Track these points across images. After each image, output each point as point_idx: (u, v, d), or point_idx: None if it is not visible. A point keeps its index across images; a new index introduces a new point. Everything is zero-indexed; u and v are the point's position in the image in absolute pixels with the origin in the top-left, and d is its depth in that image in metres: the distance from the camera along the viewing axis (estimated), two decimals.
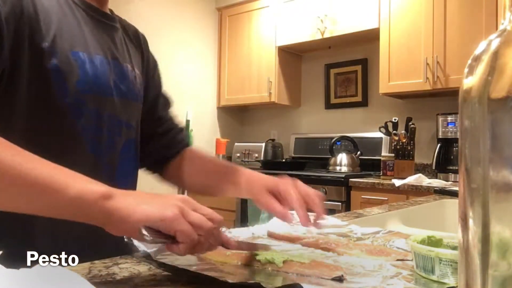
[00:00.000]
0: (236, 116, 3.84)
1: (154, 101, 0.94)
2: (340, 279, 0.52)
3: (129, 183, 0.83)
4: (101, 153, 0.75)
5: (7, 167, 0.50)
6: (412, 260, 0.56)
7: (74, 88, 0.70)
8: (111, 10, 0.88)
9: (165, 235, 0.51)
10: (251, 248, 0.62)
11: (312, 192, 0.70)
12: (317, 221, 0.67)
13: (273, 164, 3.15)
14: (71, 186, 0.51)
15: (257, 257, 0.58)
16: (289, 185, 0.70)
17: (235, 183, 0.82)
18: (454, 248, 0.56)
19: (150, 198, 0.52)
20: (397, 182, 2.28)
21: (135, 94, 0.84)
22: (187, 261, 0.57)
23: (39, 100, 0.68)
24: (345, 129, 3.11)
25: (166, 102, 0.98)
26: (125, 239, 0.75)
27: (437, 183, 2.23)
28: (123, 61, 0.82)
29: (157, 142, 0.93)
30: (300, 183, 0.72)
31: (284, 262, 0.56)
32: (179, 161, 0.94)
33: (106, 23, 0.81)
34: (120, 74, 0.80)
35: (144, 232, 0.50)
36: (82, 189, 0.50)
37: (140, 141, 0.91)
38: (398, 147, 2.63)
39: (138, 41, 0.93)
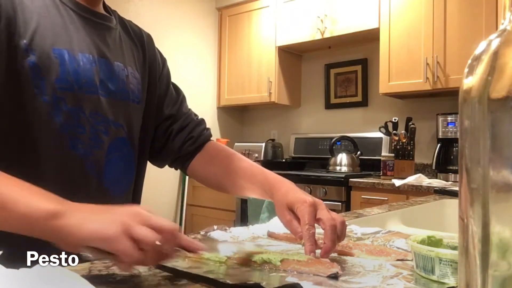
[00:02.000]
0: (236, 116, 3.84)
1: (162, 100, 0.93)
2: (335, 276, 0.53)
3: (121, 181, 0.83)
4: (85, 151, 0.74)
5: None
6: (412, 260, 0.56)
7: (52, 85, 0.69)
8: (113, 11, 0.88)
9: (108, 252, 0.50)
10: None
11: (327, 219, 0.63)
12: (323, 255, 0.60)
13: (273, 164, 3.14)
14: (21, 203, 0.51)
15: (253, 259, 0.58)
16: (305, 209, 0.64)
17: (261, 195, 0.81)
18: (454, 248, 0.56)
19: (99, 213, 0.51)
20: (397, 182, 2.28)
21: (126, 92, 0.82)
22: (186, 264, 0.57)
23: (16, 95, 0.67)
24: (345, 129, 3.11)
25: (177, 99, 0.97)
26: None
27: (437, 183, 2.23)
28: (114, 59, 0.81)
29: (173, 140, 0.93)
30: (322, 206, 0.66)
31: (281, 261, 0.57)
32: (201, 160, 0.93)
33: (97, 22, 0.80)
34: (108, 73, 0.79)
35: (86, 251, 0.49)
36: (29, 207, 0.51)
37: (158, 141, 0.92)
38: (398, 147, 2.63)
39: (141, 41, 0.92)
